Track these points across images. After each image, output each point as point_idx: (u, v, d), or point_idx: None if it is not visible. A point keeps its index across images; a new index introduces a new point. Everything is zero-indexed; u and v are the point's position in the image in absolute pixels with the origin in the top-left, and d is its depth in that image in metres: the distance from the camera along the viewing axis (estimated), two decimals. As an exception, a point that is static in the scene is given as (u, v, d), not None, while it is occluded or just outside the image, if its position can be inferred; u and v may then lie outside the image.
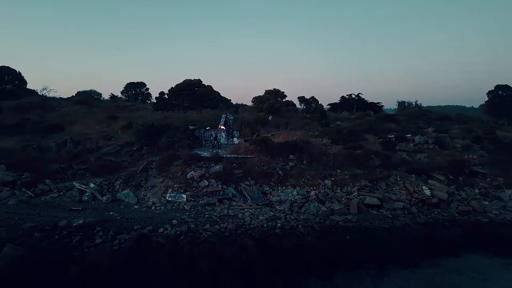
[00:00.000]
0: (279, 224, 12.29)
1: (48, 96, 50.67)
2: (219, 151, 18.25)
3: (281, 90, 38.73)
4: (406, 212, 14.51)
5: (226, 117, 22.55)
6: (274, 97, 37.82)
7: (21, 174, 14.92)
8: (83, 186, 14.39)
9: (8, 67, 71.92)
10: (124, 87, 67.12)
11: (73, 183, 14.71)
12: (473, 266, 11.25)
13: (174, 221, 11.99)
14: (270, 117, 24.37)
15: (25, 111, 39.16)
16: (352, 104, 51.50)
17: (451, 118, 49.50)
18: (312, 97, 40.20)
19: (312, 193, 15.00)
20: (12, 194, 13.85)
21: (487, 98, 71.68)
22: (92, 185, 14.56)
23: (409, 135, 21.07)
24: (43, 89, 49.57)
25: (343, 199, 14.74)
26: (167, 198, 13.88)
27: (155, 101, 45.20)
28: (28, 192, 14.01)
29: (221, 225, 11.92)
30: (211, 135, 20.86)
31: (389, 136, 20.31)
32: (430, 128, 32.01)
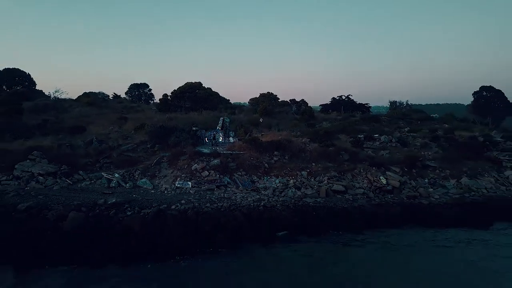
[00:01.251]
0: (262, 204, 16.11)
1: (60, 97, 54.43)
2: (217, 148, 22.09)
3: (274, 93, 42.68)
4: (365, 196, 18.34)
5: (223, 120, 26.37)
6: (267, 100, 41.70)
7: (60, 166, 18.74)
8: (110, 176, 18.25)
9: (18, 69, 75.81)
10: (128, 88, 70.83)
11: (102, 173, 18.57)
12: (407, 233, 15.11)
13: (183, 201, 15.82)
14: (261, 120, 28.22)
15: (41, 112, 42.98)
16: (345, 105, 55.01)
17: (433, 118, 53.26)
18: (302, 99, 44.15)
19: (291, 181, 18.87)
20: (55, 182, 17.71)
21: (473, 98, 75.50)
22: (116, 175, 18.42)
23: (377, 135, 24.91)
24: (55, 91, 53.34)
25: (315, 186, 18.59)
26: (176, 185, 17.72)
27: (159, 102, 48.76)
28: (67, 180, 17.86)
29: (218, 204, 15.76)
30: (211, 135, 24.72)
31: (359, 136, 24.14)
32: (407, 128, 35.90)
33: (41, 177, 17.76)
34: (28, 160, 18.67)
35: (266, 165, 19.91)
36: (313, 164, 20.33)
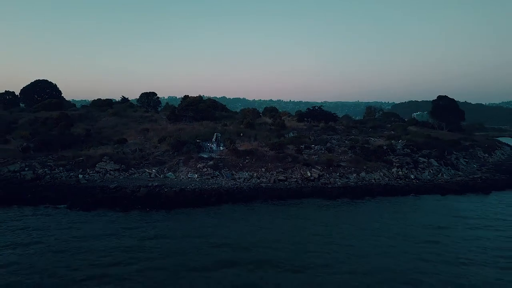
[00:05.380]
0: (236, 186, 29.72)
1: (88, 106, 67.81)
2: (212, 154, 35.60)
3: (257, 110, 56.09)
4: (296, 182, 31.92)
5: (216, 135, 39.88)
6: (251, 114, 55.32)
7: (120, 165, 32.28)
8: (150, 171, 31.84)
9: (46, 80, 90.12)
10: (139, 96, 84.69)
11: (145, 169, 32.17)
12: (307, 200, 28.68)
13: (193, 184, 29.39)
14: (241, 134, 41.68)
15: (77, 121, 56.33)
16: (315, 115, 67.92)
17: (384, 126, 66.77)
18: (279, 113, 57.75)
19: (255, 174, 32.48)
20: (119, 174, 31.29)
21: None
22: (153, 170, 32.02)
23: (313, 145, 38.45)
24: (87, 101, 66.72)
25: (268, 177, 32.22)
26: (188, 176, 31.31)
27: (168, 113, 61.75)
28: (126, 174, 31.44)
29: (212, 186, 29.35)
30: (208, 145, 38.29)
31: (301, 146, 37.66)
32: (352, 136, 49.44)
33: (112, 172, 31.39)
34: (102, 162, 32.24)
35: (241, 164, 33.49)
36: (269, 164, 33.92)
